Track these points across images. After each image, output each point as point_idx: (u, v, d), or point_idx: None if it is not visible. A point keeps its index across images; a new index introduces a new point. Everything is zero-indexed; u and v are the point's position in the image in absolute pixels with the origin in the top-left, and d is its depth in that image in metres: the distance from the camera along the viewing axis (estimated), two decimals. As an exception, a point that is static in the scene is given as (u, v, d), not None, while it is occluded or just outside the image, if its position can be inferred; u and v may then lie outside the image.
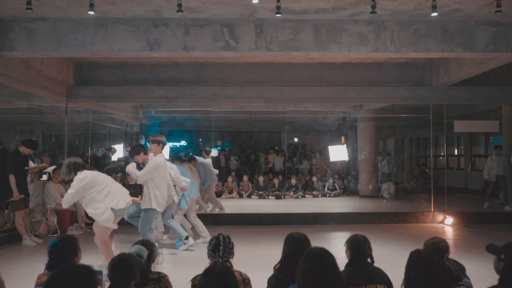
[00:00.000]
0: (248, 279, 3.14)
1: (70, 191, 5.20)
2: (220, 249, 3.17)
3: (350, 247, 3.20)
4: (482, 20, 6.66)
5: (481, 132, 13.84)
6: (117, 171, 11.96)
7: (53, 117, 11.35)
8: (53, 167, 8.96)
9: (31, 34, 6.56)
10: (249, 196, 13.55)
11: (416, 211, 10.06)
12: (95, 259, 5.63)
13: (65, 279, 1.99)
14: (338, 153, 14.18)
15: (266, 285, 3.12)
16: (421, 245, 3.37)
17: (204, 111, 13.14)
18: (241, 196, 13.55)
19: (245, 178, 13.90)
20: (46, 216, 8.05)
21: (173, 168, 6.96)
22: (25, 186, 7.56)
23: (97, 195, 5.20)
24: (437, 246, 3.35)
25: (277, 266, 3.14)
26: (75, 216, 8.73)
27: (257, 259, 6.13)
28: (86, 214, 8.52)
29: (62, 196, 7.09)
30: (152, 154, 6.17)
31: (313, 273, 2.33)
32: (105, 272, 2.76)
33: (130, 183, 6.33)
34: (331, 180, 14.04)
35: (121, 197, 5.32)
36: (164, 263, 6.22)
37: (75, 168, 5.23)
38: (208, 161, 10.82)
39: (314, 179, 14.23)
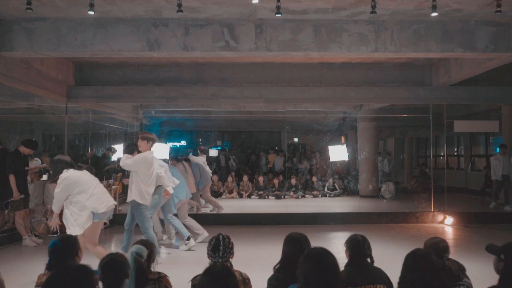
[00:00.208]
0: (248, 279, 3.14)
1: (56, 190, 5.12)
2: (220, 249, 3.17)
3: (350, 247, 3.21)
4: (482, 20, 6.66)
5: (481, 132, 13.84)
6: (117, 171, 11.95)
7: (53, 117, 11.35)
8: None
9: (31, 34, 6.56)
10: (249, 196, 13.56)
11: (416, 211, 10.06)
12: (94, 258, 5.62)
13: (65, 279, 1.99)
14: (338, 153, 14.14)
15: (266, 285, 3.13)
16: (421, 245, 3.37)
17: (204, 111, 13.14)
18: (241, 196, 13.55)
19: (245, 178, 13.90)
20: (46, 216, 8.05)
21: (163, 166, 6.97)
22: (25, 186, 7.56)
23: (80, 195, 5.09)
24: (437, 246, 3.36)
25: (277, 266, 3.14)
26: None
27: (257, 259, 6.13)
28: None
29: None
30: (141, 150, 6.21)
31: (315, 273, 2.33)
32: None
33: (125, 184, 6.34)
34: (331, 180, 14.05)
35: (102, 201, 5.22)
36: (164, 263, 6.21)
37: (60, 166, 5.18)
38: (202, 159, 10.82)
39: (314, 179, 14.24)
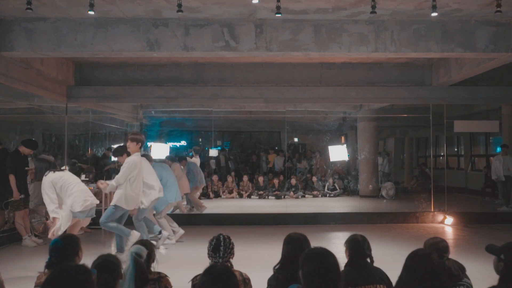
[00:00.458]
0: (248, 279, 3.14)
1: (44, 195, 5.37)
2: (221, 250, 3.17)
3: (349, 247, 3.21)
4: (482, 20, 6.66)
5: (481, 132, 13.84)
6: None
7: (53, 117, 11.35)
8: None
9: (31, 34, 6.56)
10: (249, 196, 13.56)
11: (416, 211, 10.06)
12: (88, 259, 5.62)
13: (64, 279, 1.99)
14: (338, 153, 14.18)
15: (266, 285, 3.13)
16: (421, 245, 3.37)
17: (204, 111, 13.15)
18: (241, 196, 13.56)
19: (245, 178, 13.90)
20: (46, 216, 8.05)
21: (164, 167, 7.15)
22: (25, 186, 7.56)
23: (62, 193, 5.38)
24: (437, 246, 3.35)
25: (277, 266, 3.14)
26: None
27: (257, 259, 6.13)
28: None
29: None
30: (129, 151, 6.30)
31: (316, 273, 2.32)
32: None
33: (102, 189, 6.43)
34: (331, 180, 14.05)
35: (79, 200, 5.39)
36: (164, 263, 6.21)
37: (44, 166, 5.47)
38: (196, 160, 10.81)
39: (314, 179, 14.24)
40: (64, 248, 2.99)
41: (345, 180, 14.59)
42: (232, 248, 3.24)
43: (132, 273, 2.79)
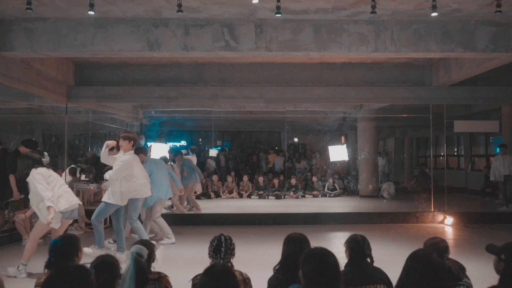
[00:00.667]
0: (249, 279, 3.14)
1: (37, 185, 5.40)
2: (222, 251, 3.16)
3: (349, 247, 3.21)
4: (482, 20, 6.66)
5: (481, 132, 13.84)
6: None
7: (53, 117, 11.34)
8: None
9: (31, 34, 6.56)
10: (249, 196, 13.55)
11: (416, 211, 10.06)
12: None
13: (64, 279, 1.99)
14: (338, 153, 14.16)
15: (266, 285, 3.12)
16: (421, 245, 3.37)
17: (204, 111, 13.15)
18: (241, 196, 13.55)
19: (245, 178, 13.90)
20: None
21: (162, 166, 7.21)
22: (25, 186, 7.54)
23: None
24: (437, 246, 3.35)
25: (277, 266, 3.14)
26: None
27: (257, 259, 6.13)
28: (86, 213, 8.56)
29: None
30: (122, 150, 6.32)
31: (316, 273, 2.32)
32: None
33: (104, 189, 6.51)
34: (331, 180, 14.04)
35: (63, 199, 5.46)
36: (164, 263, 6.21)
37: (26, 163, 5.58)
38: (193, 159, 10.81)
39: (314, 179, 14.24)
40: (64, 248, 2.99)
41: (345, 180, 14.59)
42: (233, 249, 3.24)
43: (132, 273, 2.79)
